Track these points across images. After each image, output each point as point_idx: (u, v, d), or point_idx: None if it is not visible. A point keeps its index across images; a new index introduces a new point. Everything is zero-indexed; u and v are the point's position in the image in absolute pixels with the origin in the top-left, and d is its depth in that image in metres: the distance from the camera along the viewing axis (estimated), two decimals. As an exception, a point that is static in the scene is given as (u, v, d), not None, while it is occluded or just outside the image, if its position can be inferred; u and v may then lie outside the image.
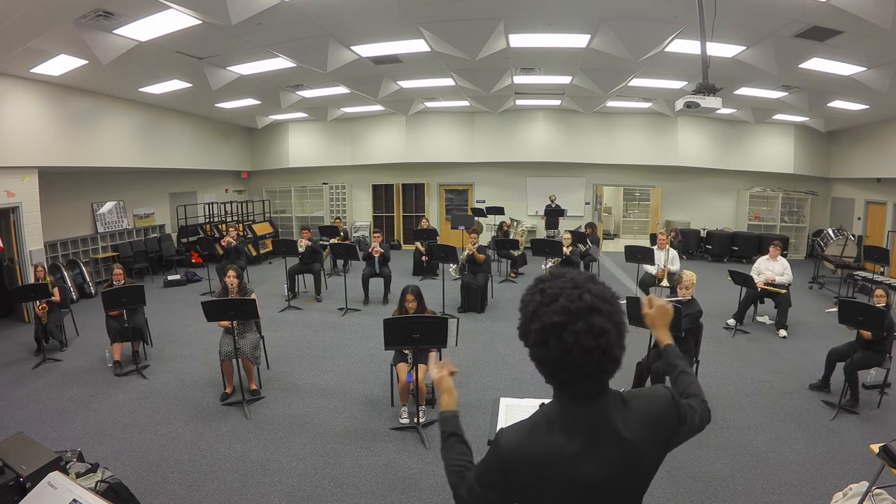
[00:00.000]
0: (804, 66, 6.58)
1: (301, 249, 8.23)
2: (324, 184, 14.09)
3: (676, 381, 1.43)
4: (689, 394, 1.36)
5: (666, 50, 6.24)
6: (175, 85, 8.11)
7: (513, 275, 9.99)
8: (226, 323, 4.60)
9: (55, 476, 2.24)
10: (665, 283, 6.90)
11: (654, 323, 1.51)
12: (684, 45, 6.13)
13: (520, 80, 8.76)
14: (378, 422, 4.32)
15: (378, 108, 11.45)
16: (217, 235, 11.22)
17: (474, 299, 7.49)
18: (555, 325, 1.06)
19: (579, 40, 6.34)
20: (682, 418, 1.24)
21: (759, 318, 7.11)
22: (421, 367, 4.19)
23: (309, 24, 5.64)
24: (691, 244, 12.28)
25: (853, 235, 10.30)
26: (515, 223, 12.66)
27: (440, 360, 1.54)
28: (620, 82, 8.25)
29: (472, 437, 3.62)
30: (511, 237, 10.76)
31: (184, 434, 4.12)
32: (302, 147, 13.58)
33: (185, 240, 11.52)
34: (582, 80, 8.33)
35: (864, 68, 6.51)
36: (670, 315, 1.51)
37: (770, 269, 6.80)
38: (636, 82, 8.39)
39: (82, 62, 6.22)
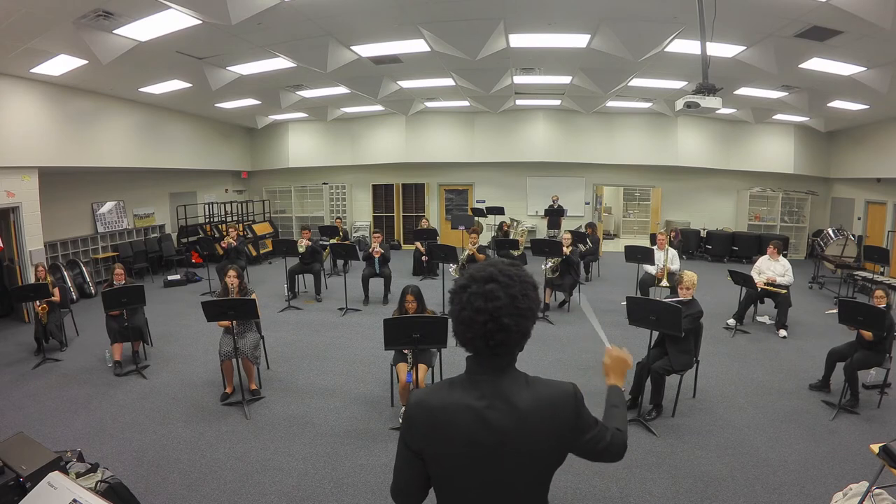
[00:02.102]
0: (804, 66, 6.58)
1: (301, 249, 8.22)
2: (324, 184, 14.09)
3: (606, 414, 1.50)
4: (612, 423, 1.43)
5: (666, 50, 6.24)
6: (175, 85, 8.11)
7: (513, 275, 9.95)
8: (226, 323, 4.59)
9: (55, 476, 2.24)
10: (665, 282, 6.90)
11: (608, 372, 1.59)
12: (684, 45, 6.13)
13: (520, 80, 8.76)
14: (378, 422, 4.32)
15: (378, 108, 11.46)
16: (217, 235, 11.22)
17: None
18: (460, 288, 1.28)
19: (579, 40, 6.34)
20: (581, 417, 1.31)
21: (759, 318, 7.10)
22: (421, 366, 4.19)
23: (309, 24, 5.64)
24: (691, 244, 12.28)
25: (853, 235, 10.30)
26: (515, 223, 12.66)
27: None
28: (620, 82, 8.25)
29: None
30: (511, 237, 10.75)
31: (184, 434, 4.12)
32: (302, 147, 13.58)
33: (185, 240, 11.52)
34: (582, 80, 8.33)
35: (864, 68, 6.51)
36: (628, 366, 1.58)
37: (771, 269, 6.80)
38: (636, 82, 8.39)
39: (82, 62, 6.23)
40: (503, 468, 1.26)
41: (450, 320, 1.31)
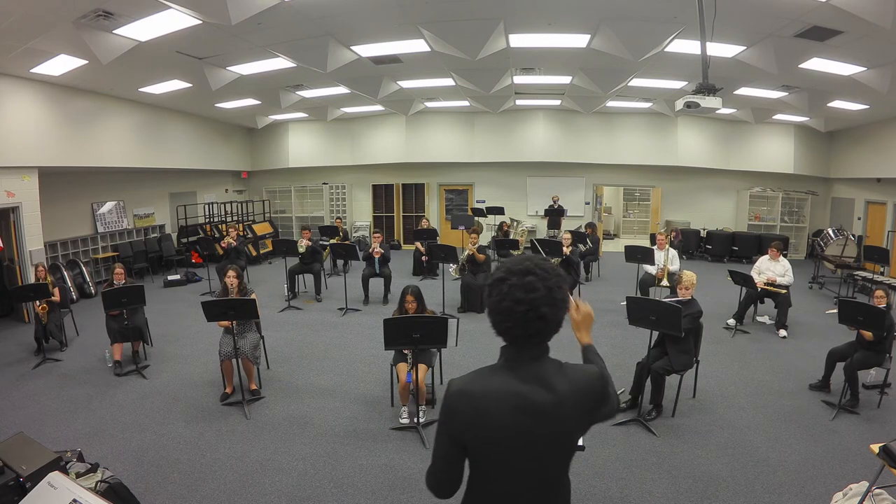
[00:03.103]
0: (804, 66, 6.58)
1: (301, 249, 8.23)
2: (324, 184, 14.09)
3: None
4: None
5: (666, 50, 6.24)
6: (175, 85, 8.11)
7: (513, 275, 9.96)
8: (226, 323, 4.59)
9: (55, 476, 2.24)
10: (665, 282, 6.90)
11: (578, 326, 1.68)
12: (684, 45, 6.13)
13: (520, 80, 8.76)
14: (378, 422, 4.32)
15: (378, 108, 11.45)
16: (217, 235, 11.22)
17: (474, 299, 7.49)
18: (498, 280, 1.34)
19: (579, 40, 6.34)
20: (605, 394, 1.41)
21: (759, 318, 7.10)
22: (421, 366, 4.19)
23: (309, 24, 5.64)
24: (691, 244, 12.28)
25: (853, 235, 10.30)
26: (515, 223, 12.66)
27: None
28: (620, 82, 8.25)
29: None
30: (511, 237, 10.76)
31: (184, 434, 4.12)
32: (302, 147, 13.58)
33: (185, 240, 11.52)
34: (582, 80, 8.33)
35: (864, 68, 6.51)
36: (592, 320, 1.68)
37: (771, 269, 6.80)
38: (636, 82, 8.39)
39: (82, 62, 6.23)
40: (541, 450, 1.33)
41: (486, 311, 1.38)
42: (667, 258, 7.12)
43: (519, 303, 1.29)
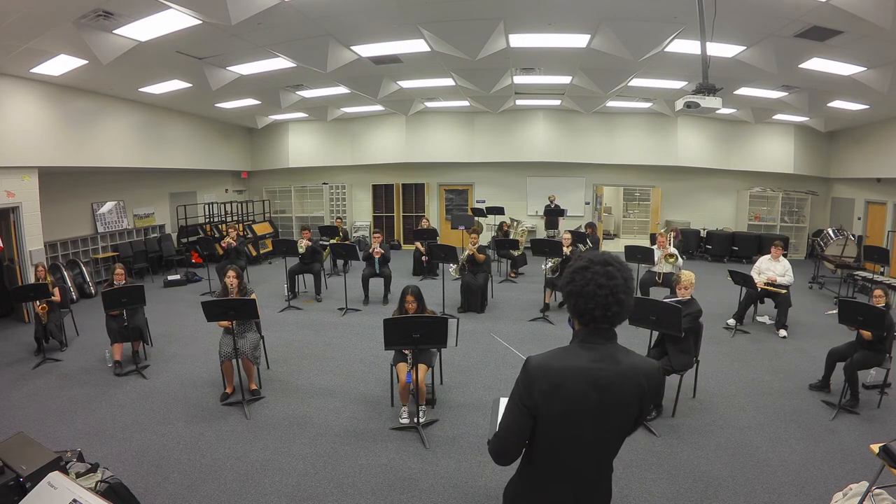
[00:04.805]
0: (804, 66, 6.58)
1: (301, 250, 8.23)
2: (324, 184, 14.10)
3: None
4: None
5: (666, 50, 6.24)
6: (175, 85, 8.11)
7: (513, 275, 9.98)
8: (226, 323, 4.59)
9: (55, 476, 2.24)
10: (665, 266, 6.89)
11: None
12: (684, 45, 6.13)
13: (520, 80, 8.76)
14: (378, 422, 4.32)
15: (378, 108, 11.46)
16: (217, 235, 11.22)
17: (474, 299, 7.49)
18: (581, 268, 1.52)
19: (579, 40, 6.34)
20: (658, 392, 1.55)
21: (759, 318, 7.11)
22: (421, 366, 4.19)
23: (309, 24, 5.64)
24: (691, 244, 12.27)
25: (853, 235, 10.30)
26: (515, 223, 12.66)
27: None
28: (620, 82, 8.25)
29: (472, 437, 3.62)
30: (511, 237, 10.75)
31: (184, 434, 4.12)
32: (302, 147, 13.58)
33: (185, 240, 11.52)
34: (582, 80, 8.33)
35: (864, 68, 6.51)
36: None
37: (771, 269, 6.80)
38: (636, 82, 8.39)
39: (82, 62, 6.23)
40: (601, 424, 1.49)
41: (565, 295, 1.57)
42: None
43: (601, 287, 1.46)
